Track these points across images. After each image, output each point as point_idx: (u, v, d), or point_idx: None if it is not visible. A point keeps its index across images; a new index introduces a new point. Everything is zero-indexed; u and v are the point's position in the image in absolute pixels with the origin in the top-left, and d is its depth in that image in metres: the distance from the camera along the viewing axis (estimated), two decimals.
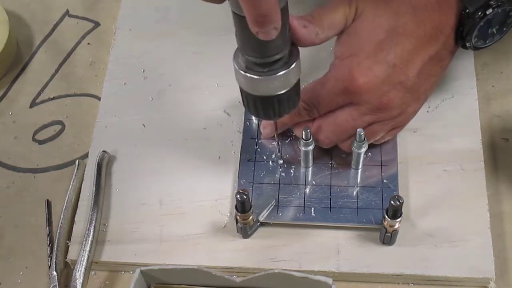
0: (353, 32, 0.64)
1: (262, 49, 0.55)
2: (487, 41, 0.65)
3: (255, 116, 0.69)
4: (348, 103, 0.64)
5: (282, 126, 0.68)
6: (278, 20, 0.51)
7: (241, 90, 0.60)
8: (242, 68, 0.57)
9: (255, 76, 0.56)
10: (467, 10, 0.62)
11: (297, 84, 0.60)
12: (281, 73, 0.56)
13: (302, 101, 0.63)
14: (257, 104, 0.60)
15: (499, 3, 0.62)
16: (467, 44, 0.64)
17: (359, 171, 0.68)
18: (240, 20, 0.52)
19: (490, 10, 0.62)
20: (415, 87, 0.64)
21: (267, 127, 0.70)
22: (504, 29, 0.65)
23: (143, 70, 0.78)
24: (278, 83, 0.57)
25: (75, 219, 0.68)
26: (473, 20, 0.62)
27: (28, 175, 0.73)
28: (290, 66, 0.57)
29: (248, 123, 0.72)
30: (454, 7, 0.63)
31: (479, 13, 0.62)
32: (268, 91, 0.58)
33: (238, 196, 0.61)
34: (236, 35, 0.55)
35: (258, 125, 0.72)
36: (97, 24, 0.84)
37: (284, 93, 0.58)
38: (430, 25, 0.62)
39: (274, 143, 0.70)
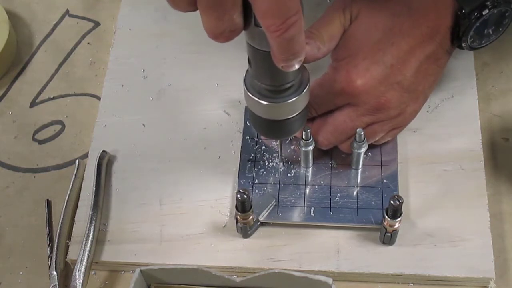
0: (350, 35, 0.64)
1: (279, 79, 0.55)
2: (483, 42, 0.65)
3: (260, 135, 0.70)
4: (346, 104, 0.64)
5: None
6: (304, 53, 0.51)
7: (249, 110, 0.60)
8: (253, 93, 0.57)
9: (266, 103, 0.57)
10: (463, 11, 0.62)
11: (306, 107, 0.60)
12: (292, 100, 0.57)
13: None
14: (264, 125, 0.61)
15: (495, 4, 0.62)
16: (463, 44, 0.64)
17: (359, 171, 0.68)
18: (261, 55, 0.52)
19: (486, 11, 0.62)
20: (413, 86, 0.64)
21: None
22: (500, 29, 0.65)
23: (143, 70, 0.78)
24: (288, 109, 0.58)
25: (75, 219, 0.68)
26: (469, 21, 0.62)
27: (28, 175, 0.73)
28: (301, 93, 0.57)
29: (248, 123, 0.72)
30: (450, 7, 0.63)
31: (475, 14, 0.62)
32: (277, 116, 0.59)
33: (238, 195, 0.61)
34: (249, 63, 0.56)
35: None
36: (97, 24, 0.84)
37: (293, 117, 0.59)
38: (426, 25, 0.62)
39: (274, 142, 0.70)
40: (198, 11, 0.49)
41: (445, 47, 0.64)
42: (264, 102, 0.57)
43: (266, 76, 0.55)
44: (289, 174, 0.68)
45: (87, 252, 0.65)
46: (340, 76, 0.62)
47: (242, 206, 0.62)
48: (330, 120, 0.65)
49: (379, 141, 0.68)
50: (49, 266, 0.66)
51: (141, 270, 0.62)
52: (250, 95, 0.58)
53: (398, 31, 0.62)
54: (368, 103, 0.63)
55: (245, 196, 0.61)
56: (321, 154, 0.69)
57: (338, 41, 0.64)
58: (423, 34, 0.62)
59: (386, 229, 0.63)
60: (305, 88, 0.58)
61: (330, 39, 0.64)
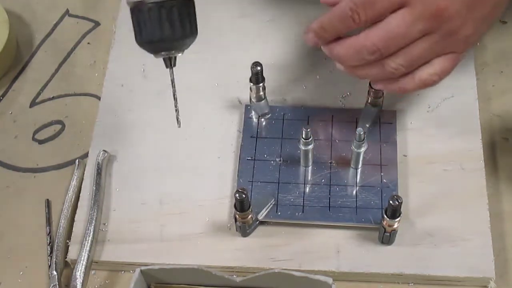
0: None
1: None
2: None
3: (148, 42, 0.58)
4: (400, 8, 0.58)
5: (323, 31, 0.62)
6: None
7: (132, 12, 0.57)
8: None
9: None
10: None
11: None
12: None
13: (349, 1, 0.59)
14: (146, 19, 0.56)
15: None
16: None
17: (359, 170, 0.68)
18: None
19: None
20: (475, 4, 0.60)
21: (309, 32, 0.63)
22: None
23: (143, 70, 0.78)
24: None
25: (75, 219, 0.68)
26: None
27: (28, 175, 0.73)
28: None
29: (248, 121, 0.72)
30: None
31: None
32: None
33: (237, 195, 0.61)
34: None
35: (258, 124, 0.72)
36: (97, 24, 0.84)
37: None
38: None
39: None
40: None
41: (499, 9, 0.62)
42: None
43: None
44: (288, 173, 0.69)
45: (87, 252, 0.65)
46: None
47: (241, 205, 0.62)
48: (381, 25, 0.59)
49: (433, 75, 0.62)
50: (49, 266, 0.66)
51: (141, 270, 0.62)
52: None
53: None
54: (426, 3, 0.58)
55: (243, 196, 0.61)
56: (320, 153, 0.69)
57: None
58: None
59: (385, 229, 0.63)
60: None
61: None
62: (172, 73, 0.59)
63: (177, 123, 0.61)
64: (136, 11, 0.56)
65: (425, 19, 0.58)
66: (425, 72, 0.62)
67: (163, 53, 0.58)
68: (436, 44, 0.60)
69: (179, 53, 0.58)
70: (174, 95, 0.60)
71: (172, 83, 0.60)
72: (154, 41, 0.57)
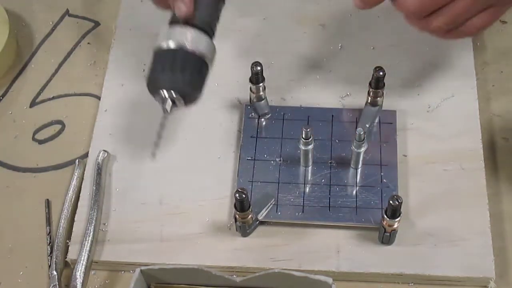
0: None
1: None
2: None
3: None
4: None
5: None
6: None
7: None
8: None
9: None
10: None
11: (191, 58, 0.63)
12: (164, 29, 0.63)
13: None
14: (159, 59, 0.62)
15: None
16: None
17: (359, 170, 0.68)
18: None
19: None
20: None
21: None
22: None
23: (143, 70, 0.78)
24: (162, 35, 0.62)
25: (75, 219, 0.68)
26: None
27: (28, 175, 0.73)
28: (175, 26, 0.63)
29: (248, 121, 0.72)
30: None
31: None
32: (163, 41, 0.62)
33: (237, 195, 0.61)
34: None
35: (258, 124, 0.72)
36: (97, 24, 0.84)
37: (174, 53, 0.62)
38: None
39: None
40: None
41: None
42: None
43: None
44: (288, 173, 0.68)
45: (87, 252, 0.65)
46: None
47: (241, 205, 0.62)
48: None
49: (471, 27, 0.61)
50: (49, 266, 0.66)
51: (141, 270, 0.62)
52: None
53: None
54: None
55: (243, 196, 0.61)
56: (320, 153, 0.69)
57: None
58: None
59: (385, 229, 0.63)
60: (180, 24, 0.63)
61: None
62: (166, 118, 0.64)
63: (153, 155, 0.66)
64: (155, 53, 0.63)
65: None
66: (464, 25, 0.61)
67: (164, 92, 0.62)
68: (476, 2, 0.59)
69: (179, 98, 0.62)
70: (160, 133, 0.65)
71: (162, 126, 0.65)
72: (159, 78, 0.62)
